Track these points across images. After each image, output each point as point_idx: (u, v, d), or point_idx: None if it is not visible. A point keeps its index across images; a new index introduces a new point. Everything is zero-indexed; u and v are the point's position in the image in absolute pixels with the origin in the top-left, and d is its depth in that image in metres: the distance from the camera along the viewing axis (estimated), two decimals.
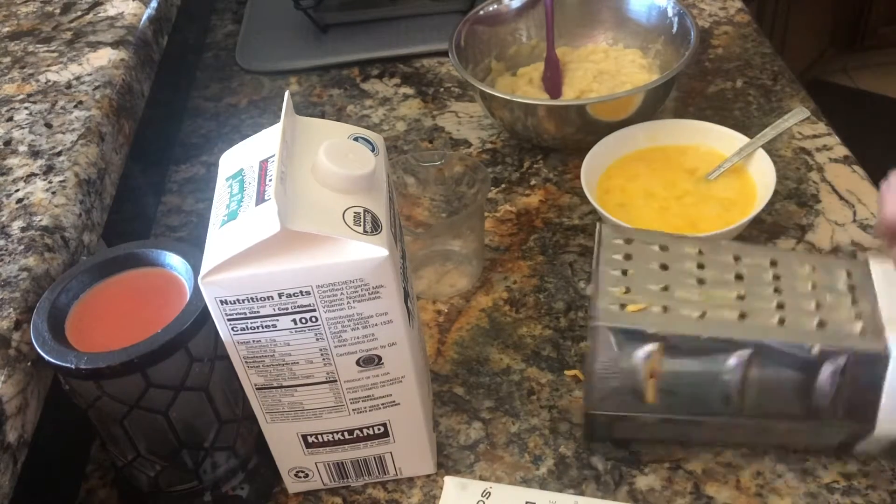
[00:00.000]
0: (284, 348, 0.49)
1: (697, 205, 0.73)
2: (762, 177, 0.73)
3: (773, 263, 0.55)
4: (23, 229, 0.57)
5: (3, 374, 0.48)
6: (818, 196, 0.76)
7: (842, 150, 0.80)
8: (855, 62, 2.21)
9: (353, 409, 0.53)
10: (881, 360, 0.50)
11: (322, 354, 0.50)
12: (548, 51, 0.89)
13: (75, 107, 0.68)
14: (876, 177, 0.78)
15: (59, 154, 0.63)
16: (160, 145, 0.91)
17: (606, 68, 0.89)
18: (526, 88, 0.88)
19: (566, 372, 0.64)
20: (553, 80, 0.88)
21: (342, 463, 0.57)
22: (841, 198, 0.76)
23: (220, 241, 0.46)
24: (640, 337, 0.52)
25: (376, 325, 0.49)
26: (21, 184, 0.61)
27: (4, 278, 0.53)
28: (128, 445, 0.52)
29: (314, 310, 0.47)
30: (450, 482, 0.56)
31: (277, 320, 0.48)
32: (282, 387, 0.51)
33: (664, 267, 0.55)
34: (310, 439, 0.55)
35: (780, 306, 0.53)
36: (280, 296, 0.47)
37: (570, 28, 0.92)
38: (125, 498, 0.59)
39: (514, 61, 0.92)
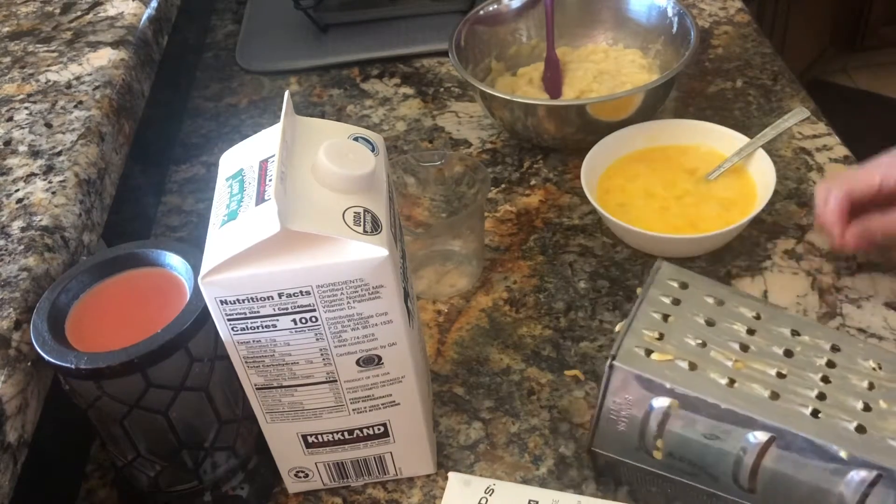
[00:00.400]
0: (284, 348, 0.49)
1: (697, 205, 0.73)
2: (762, 177, 0.73)
3: (835, 349, 0.51)
4: (23, 229, 0.57)
5: (3, 374, 0.48)
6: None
7: (842, 150, 0.80)
8: (855, 62, 2.21)
9: (353, 409, 0.53)
10: None
11: (322, 354, 0.50)
12: (548, 51, 0.89)
13: (75, 107, 0.68)
14: None
15: (59, 154, 0.63)
16: (160, 145, 0.91)
17: (606, 68, 0.89)
18: (526, 88, 0.88)
19: (566, 372, 0.64)
20: (553, 80, 0.88)
21: (342, 463, 0.57)
22: None
23: (221, 241, 0.46)
24: (656, 389, 0.49)
25: (376, 325, 0.49)
26: (21, 184, 0.61)
27: (4, 278, 0.53)
28: (128, 445, 0.52)
29: (314, 310, 0.47)
30: (453, 478, 0.56)
31: (277, 320, 0.48)
32: (282, 387, 0.51)
33: (710, 323, 0.52)
34: (310, 439, 0.55)
35: (821, 397, 0.48)
36: (280, 296, 0.46)
37: (570, 28, 0.92)
38: (125, 498, 0.59)
39: (514, 61, 0.92)
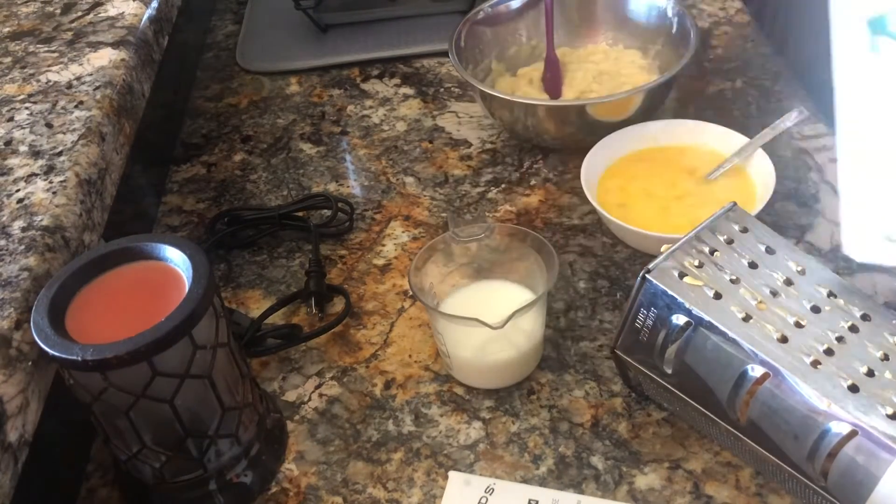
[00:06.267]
0: None
1: (697, 205, 0.73)
2: (762, 177, 0.73)
3: (865, 318, 0.52)
4: (23, 229, 0.57)
5: (4, 374, 0.48)
6: (818, 196, 0.76)
7: None
8: None
9: None
10: (888, 450, 0.46)
11: None
12: (548, 51, 0.89)
13: (76, 107, 0.68)
14: None
15: (59, 154, 0.63)
16: (161, 145, 0.91)
17: (606, 69, 0.89)
18: (526, 89, 0.88)
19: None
20: (553, 81, 0.88)
21: None
22: None
23: None
24: (677, 307, 0.52)
25: None
26: (22, 184, 0.61)
27: (5, 278, 0.53)
28: (133, 437, 0.52)
29: None
30: (454, 477, 0.56)
31: None
32: None
33: (753, 266, 0.54)
34: None
35: (829, 353, 0.50)
36: None
37: (569, 28, 0.92)
38: (129, 493, 0.59)
39: (514, 62, 0.92)
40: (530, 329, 0.62)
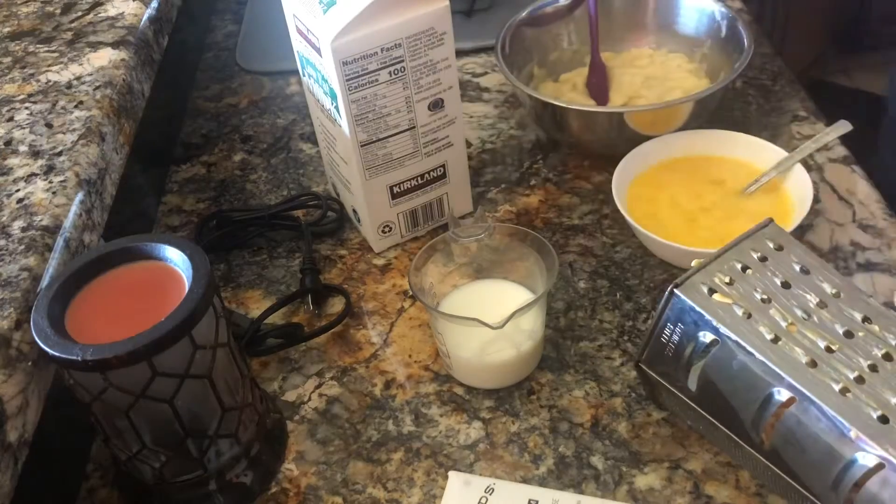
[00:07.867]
0: (382, 101, 0.66)
1: (725, 218, 0.71)
2: (798, 192, 0.70)
3: None
4: (23, 229, 0.57)
5: (4, 374, 0.48)
6: (818, 196, 0.76)
7: (841, 150, 0.80)
8: (855, 62, 2.21)
9: (425, 153, 0.71)
10: None
11: (406, 103, 0.67)
12: (593, 56, 0.87)
13: (76, 107, 0.68)
14: (875, 177, 0.78)
15: (59, 154, 0.63)
16: (160, 145, 0.91)
17: (653, 73, 0.86)
18: (570, 95, 0.86)
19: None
20: (600, 86, 0.86)
21: (415, 211, 0.74)
22: (840, 198, 0.76)
23: (331, 19, 0.62)
24: (704, 324, 0.51)
25: (440, 69, 0.67)
26: (21, 184, 0.61)
27: (5, 278, 0.53)
28: (133, 437, 0.52)
29: (403, 60, 0.65)
30: (454, 477, 0.56)
31: (378, 74, 0.65)
32: (378, 140, 0.68)
33: (786, 285, 0.52)
34: (395, 190, 0.72)
35: (859, 381, 0.48)
36: (381, 51, 0.64)
37: (612, 32, 0.89)
38: (129, 493, 0.59)
39: (555, 67, 0.89)
40: (530, 329, 0.62)
